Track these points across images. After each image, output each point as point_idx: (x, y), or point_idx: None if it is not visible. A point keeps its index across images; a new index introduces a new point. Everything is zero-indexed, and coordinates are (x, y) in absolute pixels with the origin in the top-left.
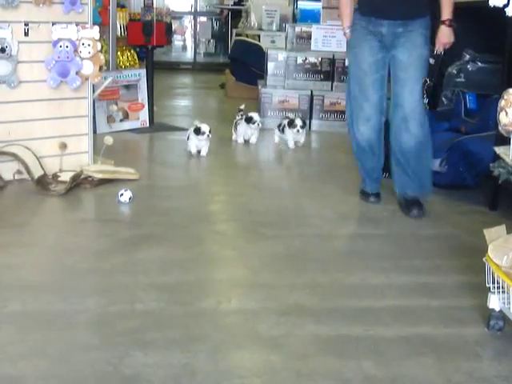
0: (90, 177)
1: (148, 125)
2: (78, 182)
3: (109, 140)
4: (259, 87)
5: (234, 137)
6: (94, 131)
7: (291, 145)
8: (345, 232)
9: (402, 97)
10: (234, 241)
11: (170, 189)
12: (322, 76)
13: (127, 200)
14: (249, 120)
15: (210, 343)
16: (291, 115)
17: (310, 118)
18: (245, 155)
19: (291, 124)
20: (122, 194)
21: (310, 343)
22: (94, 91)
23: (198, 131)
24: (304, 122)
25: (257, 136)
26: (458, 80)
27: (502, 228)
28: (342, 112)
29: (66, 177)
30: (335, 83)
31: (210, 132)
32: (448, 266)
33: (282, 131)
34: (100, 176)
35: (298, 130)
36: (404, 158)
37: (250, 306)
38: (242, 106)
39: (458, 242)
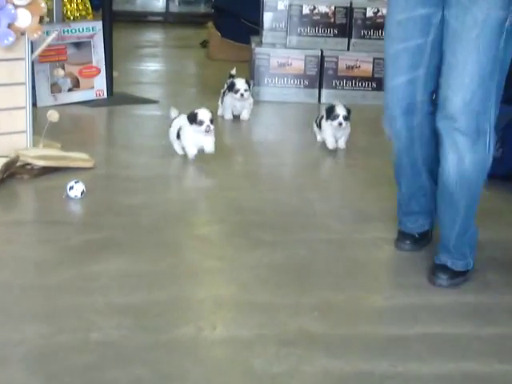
0: (28, 164)
1: (105, 96)
2: (13, 172)
3: (53, 116)
4: (252, 46)
5: (219, 111)
6: (34, 104)
7: (331, 145)
8: (365, 237)
9: (445, 91)
10: (219, 248)
11: (135, 180)
12: (335, 31)
13: (79, 195)
14: (231, 88)
15: (188, 383)
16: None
17: (320, 87)
18: (234, 136)
19: (330, 113)
20: (71, 188)
21: (320, 383)
22: (32, 51)
23: (193, 119)
24: (349, 111)
25: (250, 110)
26: None
27: None
28: (363, 78)
29: None
30: (353, 40)
31: (211, 121)
32: (503, 283)
33: (320, 126)
34: (42, 163)
35: (340, 123)
36: (440, 195)
37: (242, 334)
38: (233, 71)
39: None
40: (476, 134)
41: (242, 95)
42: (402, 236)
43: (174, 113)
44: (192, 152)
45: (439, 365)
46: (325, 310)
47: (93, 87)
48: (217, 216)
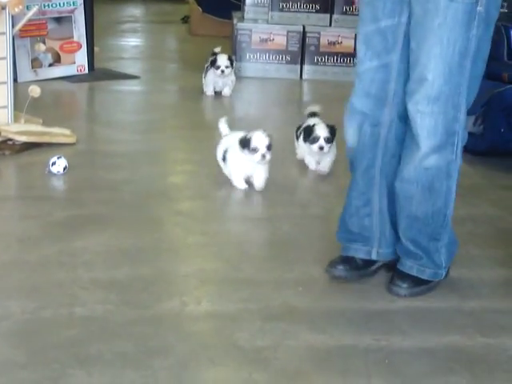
0: (9, 140)
1: (87, 71)
2: None
3: (35, 91)
4: (234, 21)
5: (204, 88)
6: (15, 79)
7: (311, 166)
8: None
9: (410, 83)
10: (203, 224)
11: (117, 156)
12: (317, 6)
13: (61, 171)
14: (212, 64)
15: (173, 358)
16: (313, 109)
17: (302, 63)
18: (216, 112)
19: (309, 135)
20: (53, 163)
21: (304, 356)
22: (13, 25)
23: (245, 144)
24: (332, 131)
25: (232, 87)
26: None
27: None
28: (344, 54)
29: None
30: (335, 16)
31: (269, 148)
32: (485, 257)
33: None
34: (24, 139)
35: (320, 147)
36: (400, 198)
37: (226, 309)
38: (218, 49)
39: (499, 226)
40: (444, 136)
41: (222, 72)
42: (339, 258)
43: (223, 128)
44: (241, 185)
45: (422, 338)
46: (309, 285)
47: (74, 62)
48: (200, 191)
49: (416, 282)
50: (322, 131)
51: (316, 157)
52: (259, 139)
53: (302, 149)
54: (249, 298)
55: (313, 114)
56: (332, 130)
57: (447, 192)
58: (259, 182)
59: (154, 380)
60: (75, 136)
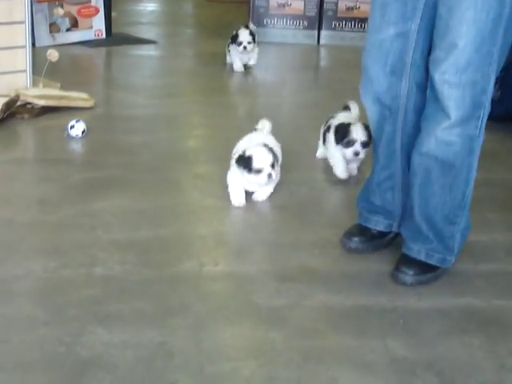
0: (29, 103)
1: (104, 36)
2: (13, 111)
3: (53, 55)
4: None
5: (228, 58)
6: (33, 44)
7: (341, 174)
8: (365, 177)
9: (436, 52)
10: (220, 187)
11: (135, 120)
12: None
13: (79, 134)
14: (234, 40)
15: (191, 317)
16: (348, 102)
17: (319, 29)
18: (235, 77)
19: (343, 137)
20: (72, 127)
21: (320, 317)
22: None
23: (246, 164)
24: (370, 134)
25: (256, 58)
26: None
27: None
28: (362, 20)
29: None
30: None
31: (273, 166)
32: (501, 221)
33: (325, 141)
34: (42, 103)
35: (356, 153)
36: (418, 171)
37: (243, 270)
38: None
39: None
40: (470, 108)
41: (244, 48)
42: (355, 229)
43: (262, 124)
44: (238, 202)
45: (437, 300)
46: (325, 248)
47: (91, 27)
48: (216, 155)
49: (423, 268)
50: (358, 133)
51: (350, 162)
52: (261, 158)
53: (330, 151)
54: (265, 259)
55: (346, 108)
56: (370, 133)
57: (468, 169)
58: (262, 195)
59: (173, 338)
60: (93, 100)
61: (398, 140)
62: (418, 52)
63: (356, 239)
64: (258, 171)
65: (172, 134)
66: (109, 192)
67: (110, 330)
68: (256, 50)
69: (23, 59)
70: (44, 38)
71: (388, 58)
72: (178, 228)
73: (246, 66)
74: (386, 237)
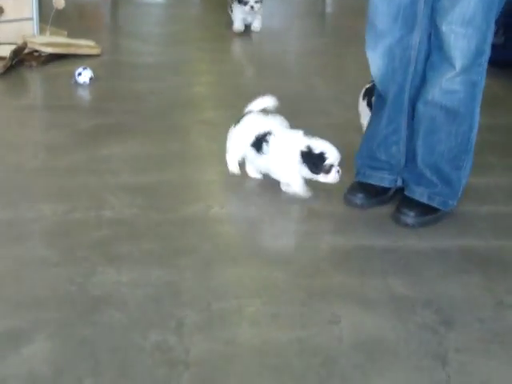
0: (36, 51)
1: None
2: (21, 59)
3: (59, 3)
4: None
5: (234, 23)
6: None
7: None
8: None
9: (442, 2)
10: (226, 132)
11: (141, 67)
12: None
13: (87, 81)
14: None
15: (198, 257)
16: None
17: None
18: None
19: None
20: (79, 74)
21: (323, 257)
22: None
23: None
24: None
25: (261, 20)
26: None
27: None
28: None
29: (4, 51)
30: None
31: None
32: (503, 165)
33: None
34: (50, 50)
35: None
36: (423, 120)
37: (249, 212)
38: None
39: None
40: (473, 57)
41: (251, 7)
42: (356, 186)
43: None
44: (305, 191)
45: (437, 240)
46: (330, 191)
47: None
48: (222, 101)
49: (424, 210)
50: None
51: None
52: (332, 153)
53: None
54: (271, 202)
55: None
56: None
57: (471, 115)
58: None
59: (180, 277)
60: (100, 47)
61: (407, 91)
62: (430, 3)
63: (361, 195)
64: (330, 169)
65: (178, 81)
66: (117, 138)
67: (119, 269)
68: (261, 11)
69: (30, 7)
70: None
71: (399, 10)
72: (185, 172)
73: (249, 29)
74: (388, 192)
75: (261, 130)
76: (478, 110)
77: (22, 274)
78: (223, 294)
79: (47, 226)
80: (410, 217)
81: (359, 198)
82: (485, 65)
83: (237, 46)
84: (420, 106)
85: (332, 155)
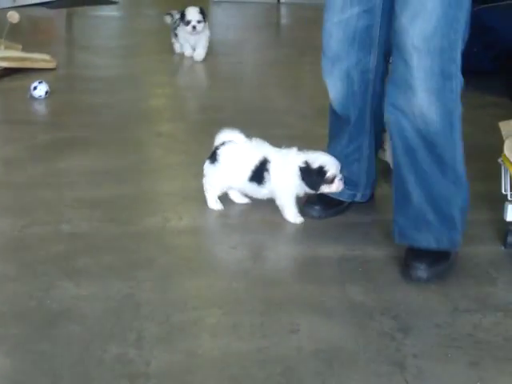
0: None
1: None
2: None
3: (13, 17)
4: None
5: (176, 47)
6: None
7: None
8: (325, 132)
9: (399, 20)
10: (183, 144)
11: (97, 80)
12: None
13: (43, 95)
14: (182, 19)
15: (156, 269)
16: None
17: None
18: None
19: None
20: (35, 88)
21: (281, 267)
22: None
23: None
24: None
25: (206, 45)
26: None
27: None
28: None
29: None
30: None
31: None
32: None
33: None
34: (5, 64)
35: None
36: (400, 153)
37: (207, 224)
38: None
39: (470, 143)
40: (440, 79)
41: (194, 28)
42: (314, 198)
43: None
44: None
45: (394, 248)
46: None
47: None
48: (179, 114)
49: (435, 257)
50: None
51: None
52: (332, 165)
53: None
54: (228, 213)
55: None
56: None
57: (453, 146)
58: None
59: (139, 289)
60: (55, 61)
61: (368, 113)
62: (385, 24)
63: (317, 207)
64: (332, 180)
65: (134, 94)
66: (73, 152)
67: (78, 283)
68: (207, 32)
69: None
70: (4, 0)
71: (355, 35)
72: (143, 185)
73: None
74: (343, 204)
75: (255, 162)
76: (458, 138)
77: None
78: (183, 305)
79: (5, 240)
80: (421, 270)
81: (316, 210)
82: (458, 90)
83: (194, 61)
84: (396, 138)
85: (332, 167)
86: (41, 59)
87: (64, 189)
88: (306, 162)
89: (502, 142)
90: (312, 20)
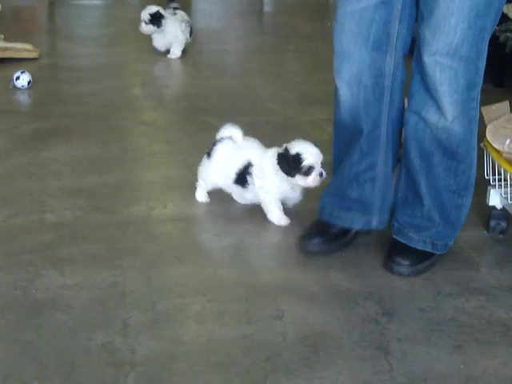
0: None
1: None
2: None
3: None
4: None
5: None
6: None
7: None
8: (308, 119)
9: (423, 30)
10: (167, 132)
11: (80, 69)
12: None
13: (25, 85)
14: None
15: (141, 258)
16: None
17: None
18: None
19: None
20: (18, 78)
21: (265, 253)
22: None
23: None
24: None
25: (180, 46)
26: None
27: (505, 104)
28: None
29: None
30: None
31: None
32: None
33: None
34: None
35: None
36: (418, 161)
37: (191, 212)
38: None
39: None
40: (465, 92)
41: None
42: (315, 229)
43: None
44: (283, 221)
45: (378, 235)
46: None
47: None
48: (163, 102)
49: (420, 256)
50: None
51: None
52: (312, 153)
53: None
54: (212, 201)
55: None
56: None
57: (471, 153)
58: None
59: (124, 277)
60: (38, 51)
61: (384, 125)
62: (405, 22)
63: (315, 241)
64: (309, 171)
65: (117, 83)
66: (56, 141)
67: (63, 272)
68: (178, 34)
69: None
70: None
71: (371, 30)
72: (126, 174)
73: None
74: (347, 235)
75: (239, 165)
76: (475, 144)
77: None
78: (167, 293)
79: None
80: (404, 266)
81: (314, 244)
82: (478, 97)
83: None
84: (413, 152)
85: (311, 156)
86: (23, 49)
87: (48, 178)
88: (286, 148)
89: (484, 127)
90: (295, 7)
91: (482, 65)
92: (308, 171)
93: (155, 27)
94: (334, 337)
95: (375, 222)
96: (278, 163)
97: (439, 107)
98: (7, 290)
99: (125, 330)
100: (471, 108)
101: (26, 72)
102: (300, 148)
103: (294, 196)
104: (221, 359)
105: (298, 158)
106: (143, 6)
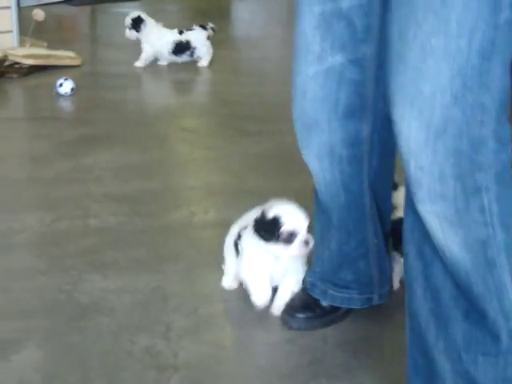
0: (17, 63)
1: None
2: (2, 71)
3: (39, 15)
4: None
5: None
6: (18, 4)
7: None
8: None
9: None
10: (208, 139)
11: (122, 77)
12: None
13: (68, 91)
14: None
15: (183, 262)
16: None
17: None
18: (220, 34)
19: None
20: (61, 85)
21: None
22: None
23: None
24: None
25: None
26: None
27: None
28: None
29: None
30: None
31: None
32: None
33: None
34: (31, 62)
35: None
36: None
37: (232, 217)
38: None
39: None
40: (461, 199)
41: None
42: (297, 301)
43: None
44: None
45: None
46: (310, 194)
47: None
48: (203, 109)
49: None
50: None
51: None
52: (293, 217)
53: None
54: (253, 207)
55: None
56: None
57: (496, 287)
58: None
59: (167, 282)
60: (80, 58)
61: (367, 197)
62: (382, 80)
63: (301, 316)
64: (290, 238)
65: (158, 90)
66: (100, 147)
67: (106, 277)
68: (145, 46)
69: (9, 20)
70: None
71: (339, 94)
72: (168, 180)
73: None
74: (338, 310)
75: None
76: (506, 275)
77: (9, 284)
78: (209, 297)
79: (34, 235)
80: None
81: (298, 319)
82: (494, 208)
83: (217, 54)
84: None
85: (292, 220)
86: (66, 56)
87: (91, 184)
88: (263, 212)
89: None
90: None
91: (489, 159)
92: (289, 238)
93: (134, 31)
94: (375, 342)
95: (376, 298)
96: (255, 231)
97: (423, 214)
98: (52, 294)
99: (167, 334)
100: (478, 223)
101: (69, 79)
102: (279, 210)
103: (279, 270)
104: (262, 364)
105: (275, 223)
106: (183, 13)
